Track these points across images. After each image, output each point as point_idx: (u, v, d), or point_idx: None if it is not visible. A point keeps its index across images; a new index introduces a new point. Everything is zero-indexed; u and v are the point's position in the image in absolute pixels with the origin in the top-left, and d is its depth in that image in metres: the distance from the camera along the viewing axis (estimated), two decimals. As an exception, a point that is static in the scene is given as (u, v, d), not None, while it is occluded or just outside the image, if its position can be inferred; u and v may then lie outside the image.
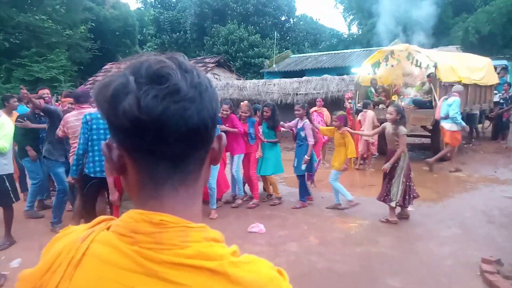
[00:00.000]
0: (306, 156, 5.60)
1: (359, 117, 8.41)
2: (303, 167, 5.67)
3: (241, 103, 6.15)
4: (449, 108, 7.70)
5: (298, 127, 5.74)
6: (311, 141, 5.59)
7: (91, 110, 4.43)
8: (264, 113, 5.80)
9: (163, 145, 0.55)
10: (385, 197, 5.14)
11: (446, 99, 7.92)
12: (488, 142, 10.89)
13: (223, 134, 0.64)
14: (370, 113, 8.18)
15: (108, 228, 0.59)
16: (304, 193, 5.85)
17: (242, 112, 5.95)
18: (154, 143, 0.54)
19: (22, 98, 5.44)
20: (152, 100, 0.52)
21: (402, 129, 5.00)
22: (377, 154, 8.87)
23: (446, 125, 7.80)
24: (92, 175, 4.11)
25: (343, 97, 11.52)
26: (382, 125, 5.39)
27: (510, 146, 9.93)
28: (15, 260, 4.05)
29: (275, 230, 4.98)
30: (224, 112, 5.68)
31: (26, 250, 4.29)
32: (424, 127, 9.39)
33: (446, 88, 8.68)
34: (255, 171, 6.02)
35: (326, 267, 3.91)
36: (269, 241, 4.63)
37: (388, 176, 5.14)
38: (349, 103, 9.25)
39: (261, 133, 5.96)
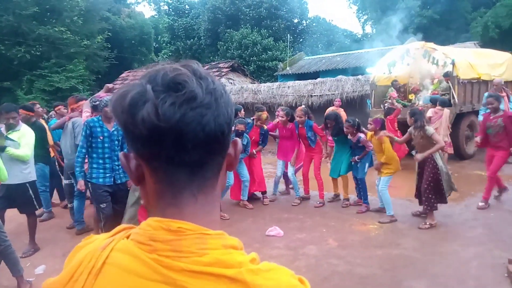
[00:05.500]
0: (355, 158, 5.69)
1: (429, 113, 7.72)
2: (366, 168, 5.71)
3: (298, 108, 6.29)
4: None
5: (354, 142, 5.72)
6: (369, 148, 5.56)
7: None
8: (328, 126, 5.90)
9: (181, 152, 0.55)
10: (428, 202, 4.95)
11: None
12: None
13: (239, 139, 0.65)
14: (447, 112, 7.67)
15: (128, 237, 0.60)
16: (366, 196, 5.82)
17: (297, 116, 6.06)
18: (173, 150, 0.55)
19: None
20: (169, 108, 0.53)
21: (429, 130, 4.91)
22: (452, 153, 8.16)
23: None
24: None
25: (359, 98, 11.41)
26: (409, 130, 5.25)
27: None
28: (39, 267, 4.14)
29: (293, 233, 4.94)
30: (281, 119, 6.16)
31: (50, 257, 4.39)
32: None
33: (465, 86, 8.47)
34: (319, 171, 6.15)
35: (347, 270, 3.85)
36: (287, 244, 4.60)
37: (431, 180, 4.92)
38: (390, 102, 8.66)
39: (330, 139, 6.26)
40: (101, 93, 4.94)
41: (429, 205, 4.94)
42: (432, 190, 4.92)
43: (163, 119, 0.53)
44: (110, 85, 5.05)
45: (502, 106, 7.69)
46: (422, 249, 4.29)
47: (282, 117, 6.17)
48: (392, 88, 9.36)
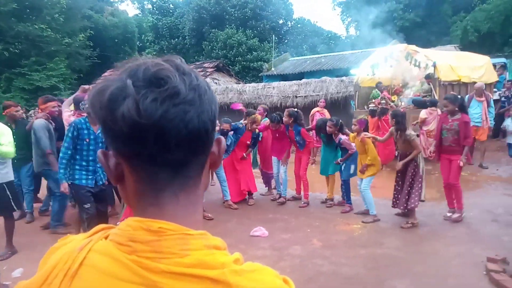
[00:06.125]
0: (338, 160, 5.72)
1: (425, 115, 7.78)
2: (352, 169, 5.69)
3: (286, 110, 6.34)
4: None
5: (336, 142, 5.78)
6: (352, 150, 5.56)
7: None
8: (328, 129, 5.73)
9: (163, 151, 0.54)
10: (406, 204, 4.99)
11: None
12: (489, 140, 10.80)
13: (222, 137, 0.64)
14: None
15: (106, 237, 0.57)
16: (349, 197, 5.86)
17: (283, 117, 6.06)
18: (155, 148, 0.53)
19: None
20: (151, 104, 0.51)
21: (410, 134, 4.97)
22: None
23: None
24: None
25: (343, 99, 11.52)
26: (390, 129, 5.33)
27: (512, 144, 9.86)
28: (16, 270, 4.01)
29: (278, 233, 4.94)
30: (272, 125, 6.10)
31: (28, 260, 4.25)
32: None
33: (446, 87, 8.66)
34: (306, 172, 6.16)
35: (331, 271, 3.87)
36: (272, 245, 4.59)
37: (410, 182, 4.99)
38: (384, 102, 8.59)
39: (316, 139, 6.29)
40: (79, 94, 4.85)
41: (407, 207, 4.97)
42: (411, 192, 4.95)
43: (145, 116, 0.51)
44: (86, 87, 4.97)
45: (479, 110, 7.87)
46: (405, 248, 4.35)
47: (272, 124, 6.10)
48: (376, 89, 9.48)
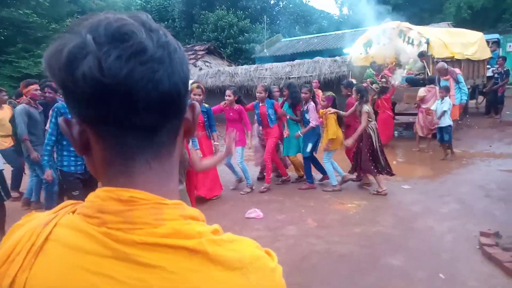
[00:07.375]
0: (299, 132, 5.81)
1: (424, 93, 7.77)
2: (308, 148, 5.72)
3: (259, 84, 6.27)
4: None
5: (304, 109, 5.80)
6: (312, 123, 5.67)
7: None
8: (303, 95, 5.79)
9: (132, 114, 0.49)
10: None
11: None
12: (482, 117, 10.86)
13: (197, 103, 0.58)
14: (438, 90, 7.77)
15: (74, 212, 0.54)
16: (310, 175, 5.93)
17: (257, 92, 5.97)
18: (122, 112, 0.48)
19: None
20: (115, 61, 0.46)
21: (364, 107, 5.33)
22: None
23: None
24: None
25: (336, 79, 11.41)
26: (355, 104, 5.63)
27: (504, 120, 9.92)
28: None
29: (272, 214, 4.95)
30: (228, 98, 5.70)
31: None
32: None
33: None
34: (269, 155, 5.93)
35: (325, 249, 3.89)
36: (267, 225, 4.60)
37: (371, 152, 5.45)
38: (384, 81, 8.53)
39: (284, 111, 6.06)
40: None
41: (367, 171, 5.47)
42: (371, 160, 5.41)
43: (108, 75, 0.45)
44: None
45: (444, 83, 7.85)
46: (399, 226, 4.38)
47: (229, 96, 5.65)
48: (370, 69, 9.39)
